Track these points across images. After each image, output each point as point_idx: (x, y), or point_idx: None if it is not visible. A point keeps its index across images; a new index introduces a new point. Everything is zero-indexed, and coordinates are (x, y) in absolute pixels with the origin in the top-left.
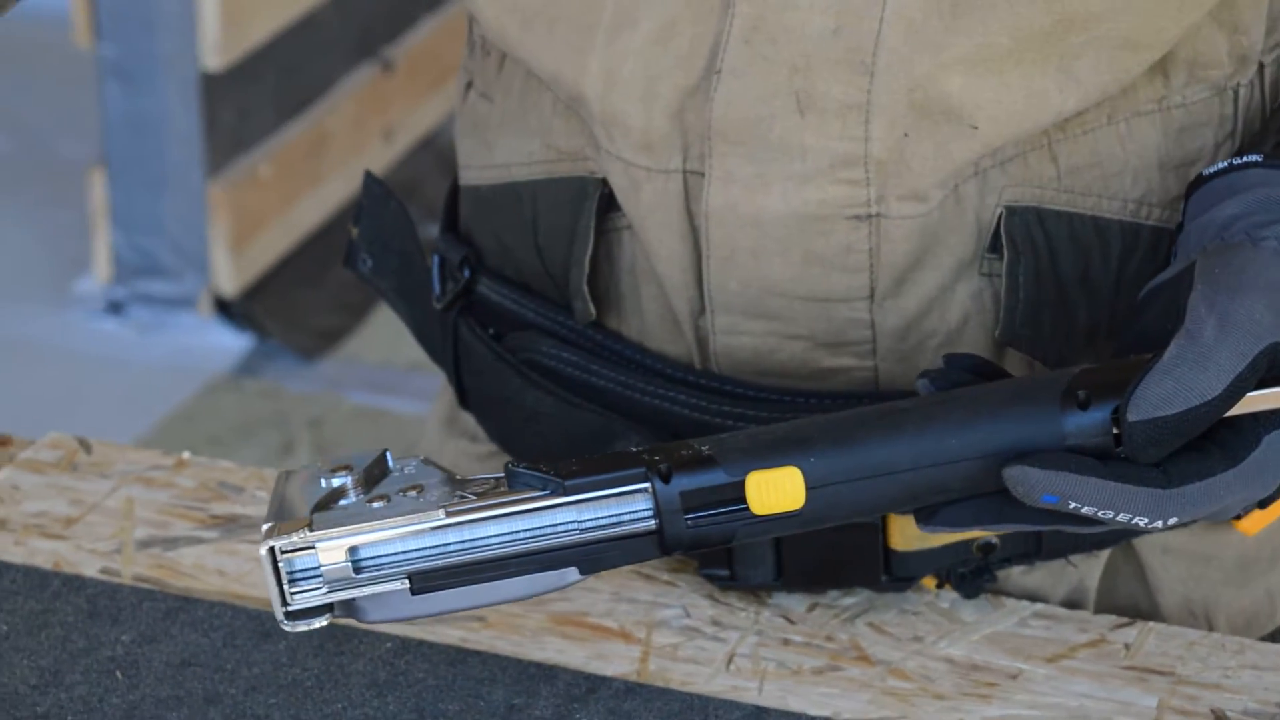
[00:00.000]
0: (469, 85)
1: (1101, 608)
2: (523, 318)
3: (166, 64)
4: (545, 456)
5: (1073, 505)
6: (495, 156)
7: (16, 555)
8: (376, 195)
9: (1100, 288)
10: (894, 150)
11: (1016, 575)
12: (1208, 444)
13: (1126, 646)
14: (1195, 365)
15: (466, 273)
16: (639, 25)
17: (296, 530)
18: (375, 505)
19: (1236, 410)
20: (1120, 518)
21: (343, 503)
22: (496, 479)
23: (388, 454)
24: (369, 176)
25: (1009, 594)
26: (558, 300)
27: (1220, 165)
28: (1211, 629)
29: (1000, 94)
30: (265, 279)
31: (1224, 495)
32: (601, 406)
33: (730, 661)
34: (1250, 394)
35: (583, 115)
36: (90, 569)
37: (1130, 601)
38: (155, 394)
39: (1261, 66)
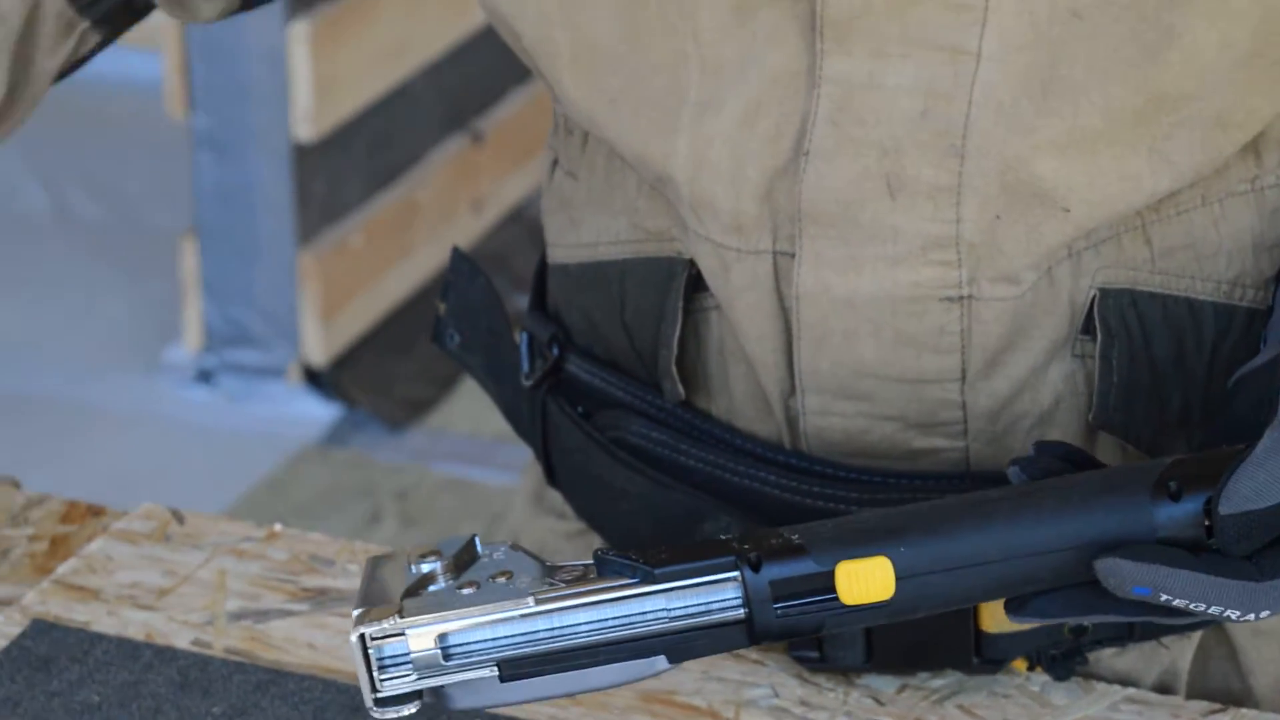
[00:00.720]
0: (555, 163)
1: (1194, 690)
2: (611, 396)
3: (259, 135)
4: (633, 535)
5: (1164, 598)
6: (582, 235)
7: (109, 626)
8: (464, 271)
9: (1194, 370)
10: (986, 232)
11: (1108, 657)
12: None
13: None
14: None
15: (555, 350)
16: (724, 107)
17: (387, 617)
18: (465, 592)
19: None
20: (1212, 610)
21: (432, 589)
22: (586, 566)
23: (476, 540)
24: (456, 253)
25: (1100, 676)
26: (646, 379)
27: None
28: None
29: (1093, 176)
30: (354, 349)
31: None
32: (690, 486)
33: None
34: None
35: (669, 196)
36: (182, 640)
37: (1223, 684)
38: (244, 463)
39: None
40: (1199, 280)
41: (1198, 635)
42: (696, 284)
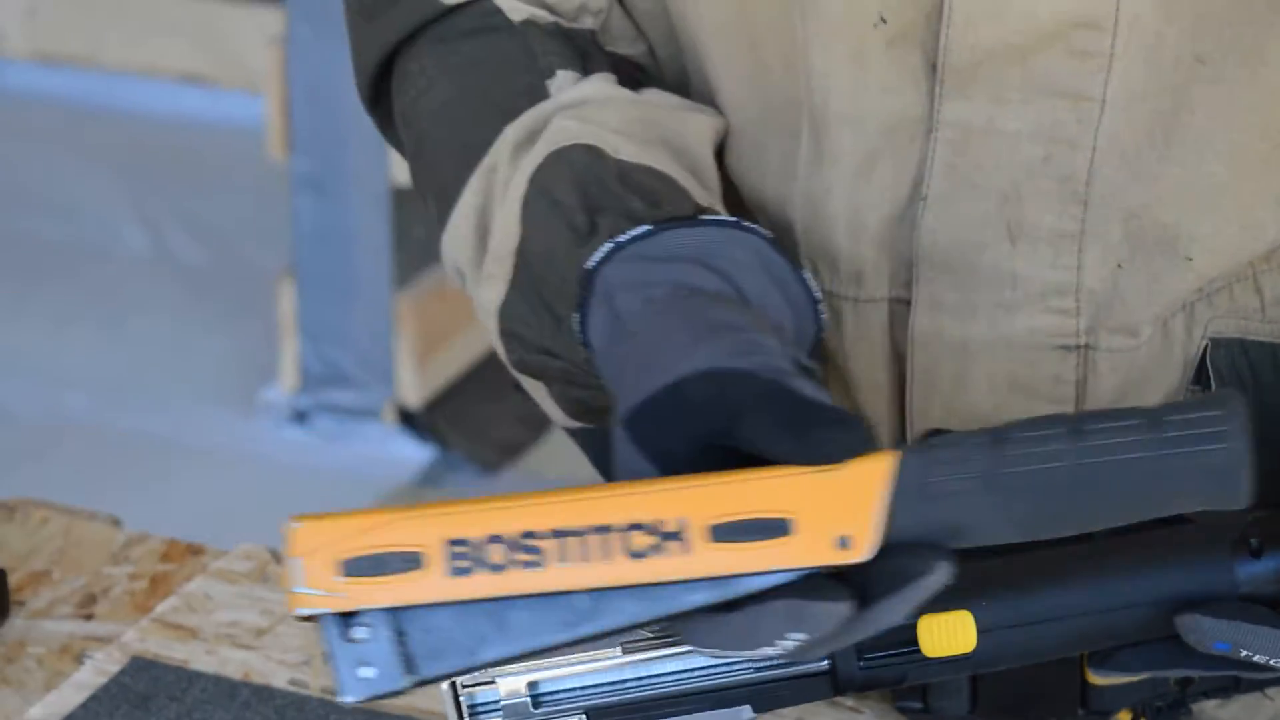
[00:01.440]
0: None
1: None
2: None
3: (358, 178)
4: None
5: (1244, 653)
6: None
7: (208, 664)
8: None
9: None
10: (1107, 281)
11: (1211, 708)
12: None
13: None
14: None
15: None
16: (840, 158)
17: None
18: None
19: None
20: None
21: None
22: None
23: None
24: None
25: None
26: None
27: None
28: None
29: (1217, 225)
30: (449, 391)
31: None
32: None
33: None
34: None
35: (790, 242)
36: (279, 680)
37: None
38: (339, 503)
39: None
40: None
41: None
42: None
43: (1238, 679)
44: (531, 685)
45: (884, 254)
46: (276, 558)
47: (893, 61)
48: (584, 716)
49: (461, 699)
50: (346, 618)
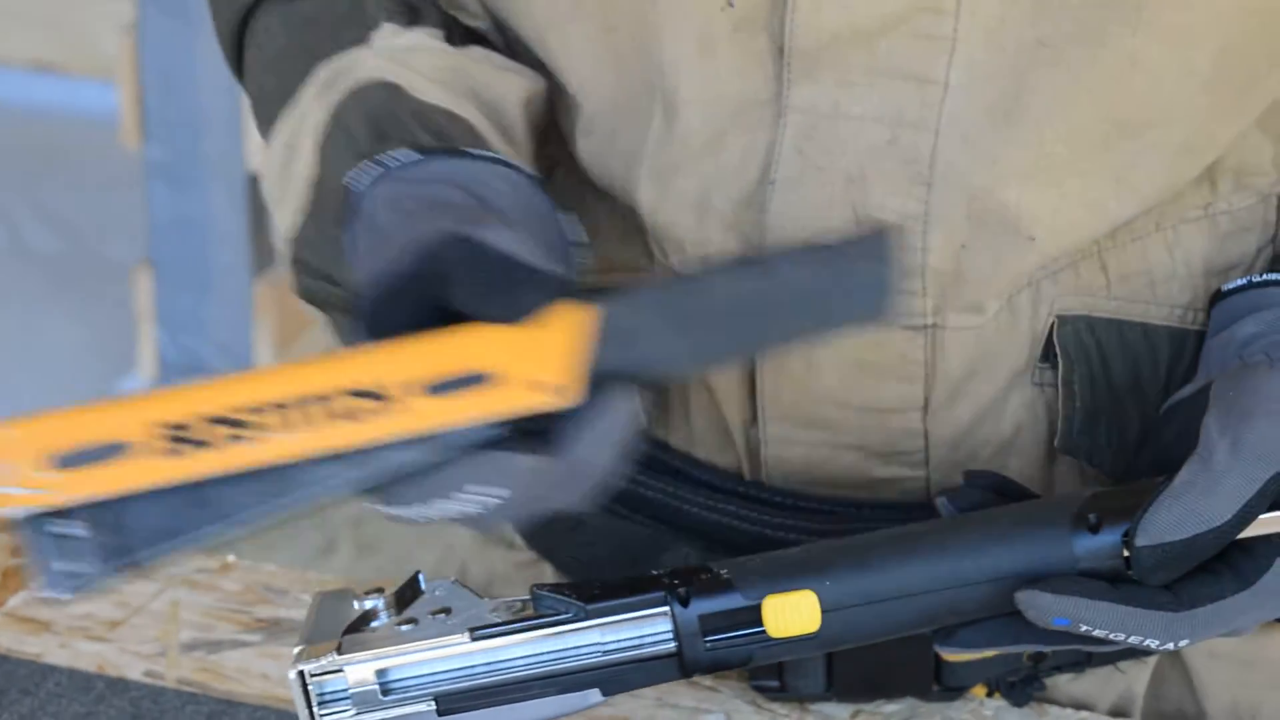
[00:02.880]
0: None
1: (1149, 713)
2: None
3: (213, 166)
4: (593, 566)
5: (1084, 628)
6: None
7: (61, 658)
8: None
9: (1151, 394)
10: (951, 261)
11: (1064, 682)
12: (1220, 565)
13: None
14: (1205, 491)
15: None
16: (690, 138)
17: (325, 654)
18: (404, 628)
19: (1249, 532)
20: (1132, 639)
21: (373, 625)
22: (524, 601)
23: (420, 576)
24: None
25: (1057, 702)
26: None
27: (1240, 282)
28: None
29: (1058, 204)
30: None
31: (1235, 617)
32: (649, 517)
33: None
34: (1262, 516)
35: (637, 225)
36: (134, 672)
37: (1177, 707)
38: None
39: None
40: (1153, 305)
41: (1153, 660)
42: None
43: (1089, 654)
44: (380, 673)
45: (731, 236)
46: None
47: (740, 45)
48: (433, 702)
49: (310, 688)
50: (51, 516)
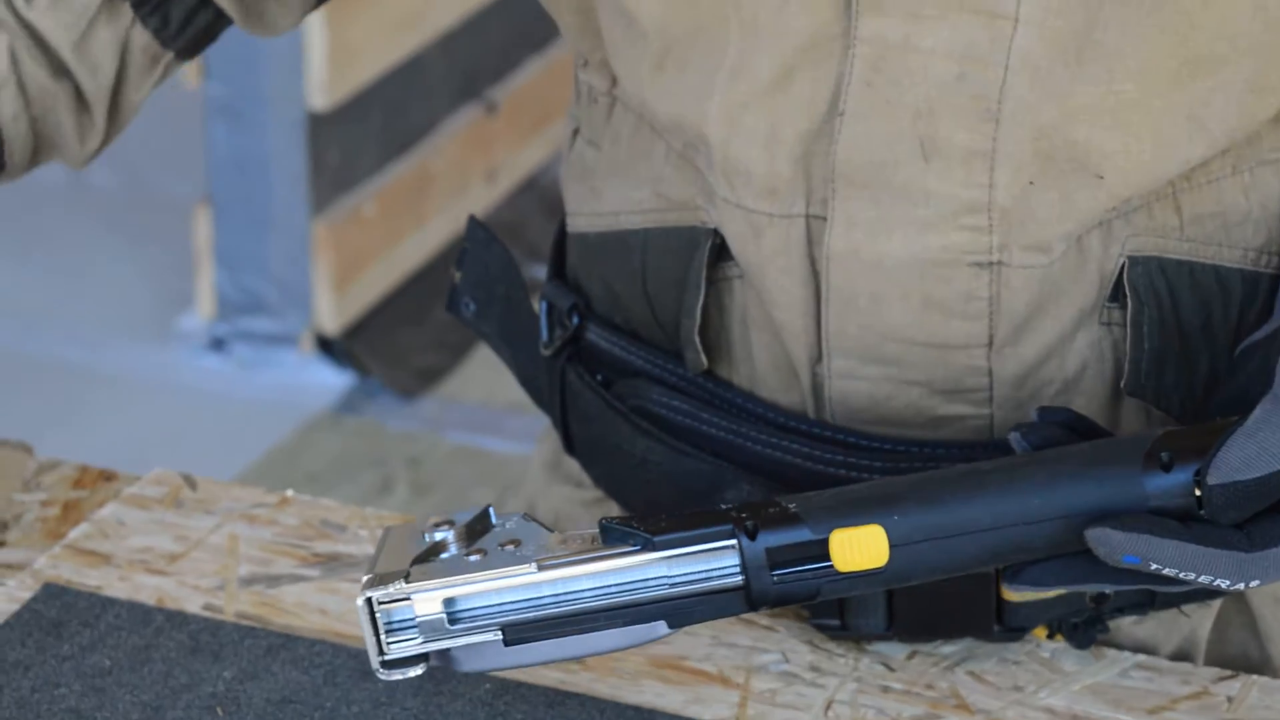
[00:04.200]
0: (576, 132)
1: (1212, 658)
2: (632, 365)
3: (273, 104)
4: (654, 504)
5: (1154, 566)
6: (603, 204)
7: (121, 590)
8: (480, 239)
9: (1221, 337)
10: (1019, 198)
11: (1128, 625)
12: None
13: (1229, 699)
14: (1278, 429)
15: (575, 319)
16: (759, 71)
17: (393, 582)
18: (472, 559)
19: None
20: (1202, 579)
21: (443, 556)
22: (592, 534)
23: (490, 510)
24: (473, 220)
25: (1120, 645)
26: (667, 348)
27: None
28: None
29: (1128, 143)
30: (367, 318)
31: None
32: (711, 455)
33: (829, 708)
34: None
35: (700, 164)
36: (193, 605)
37: (1241, 651)
38: (256, 430)
39: None
40: (1226, 248)
41: (1218, 603)
42: (719, 253)
43: (1152, 595)
44: (447, 602)
45: (799, 170)
46: (190, 483)
47: None
48: (500, 632)
49: (378, 616)
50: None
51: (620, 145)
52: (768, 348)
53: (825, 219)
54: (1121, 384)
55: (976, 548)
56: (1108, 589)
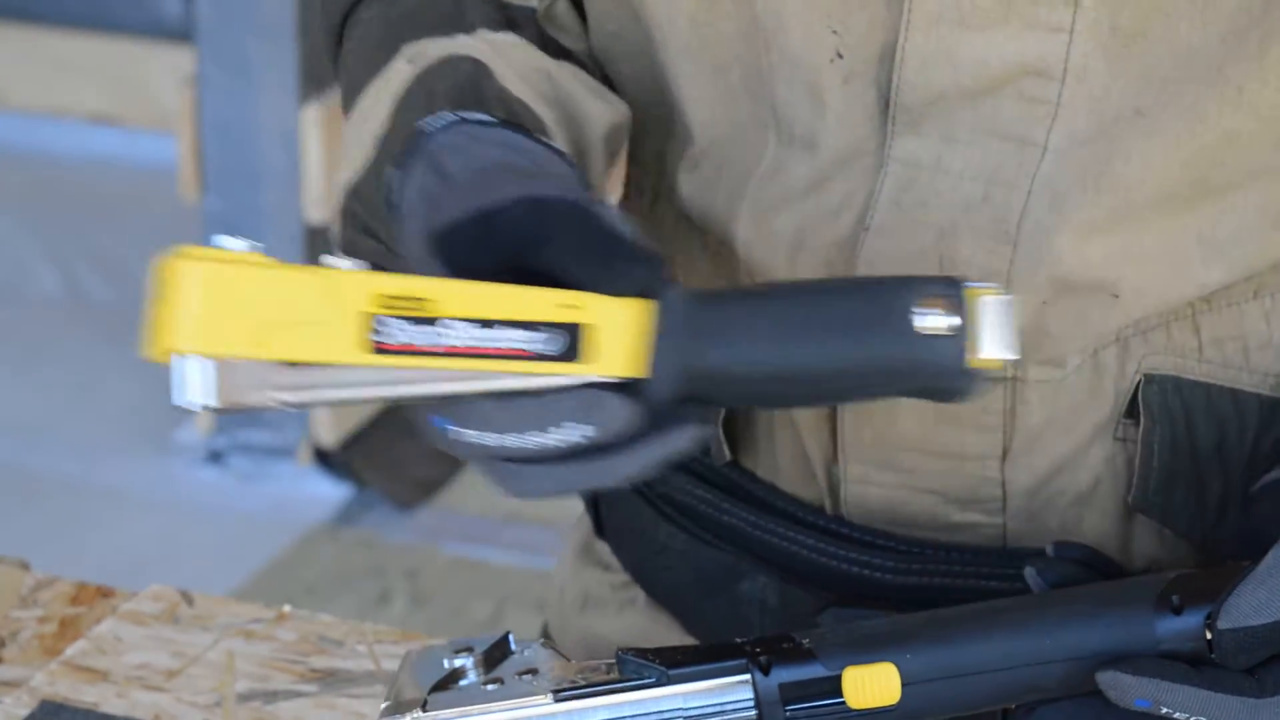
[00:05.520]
0: None
1: None
2: None
3: (271, 218)
4: (675, 590)
5: (1165, 710)
6: None
7: (119, 707)
8: None
9: (1234, 460)
10: (1034, 317)
11: None
12: None
13: None
14: None
15: None
16: (793, 177)
17: (410, 711)
18: (489, 688)
19: None
20: None
21: (461, 684)
22: (609, 664)
23: (510, 636)
24: None
25: None
26: None
27: None
28: None
29: (1143, 265)
30: (364, 429)
31: None
32: (730, 544)
33: None
34: None
35: (729, 261)
36: None
37: None
38: (254, 543)
39: None
40: (1245, 372)
41: None
42: None
43: None
44: None
45: (822, 275)
46: (187, 599)
47: (848, 96)
48: None
49: None
50: None
51: (663, 237)
52: (790, 443)
53: None
54: (1129, 499)
55: (989, 687)
56: None
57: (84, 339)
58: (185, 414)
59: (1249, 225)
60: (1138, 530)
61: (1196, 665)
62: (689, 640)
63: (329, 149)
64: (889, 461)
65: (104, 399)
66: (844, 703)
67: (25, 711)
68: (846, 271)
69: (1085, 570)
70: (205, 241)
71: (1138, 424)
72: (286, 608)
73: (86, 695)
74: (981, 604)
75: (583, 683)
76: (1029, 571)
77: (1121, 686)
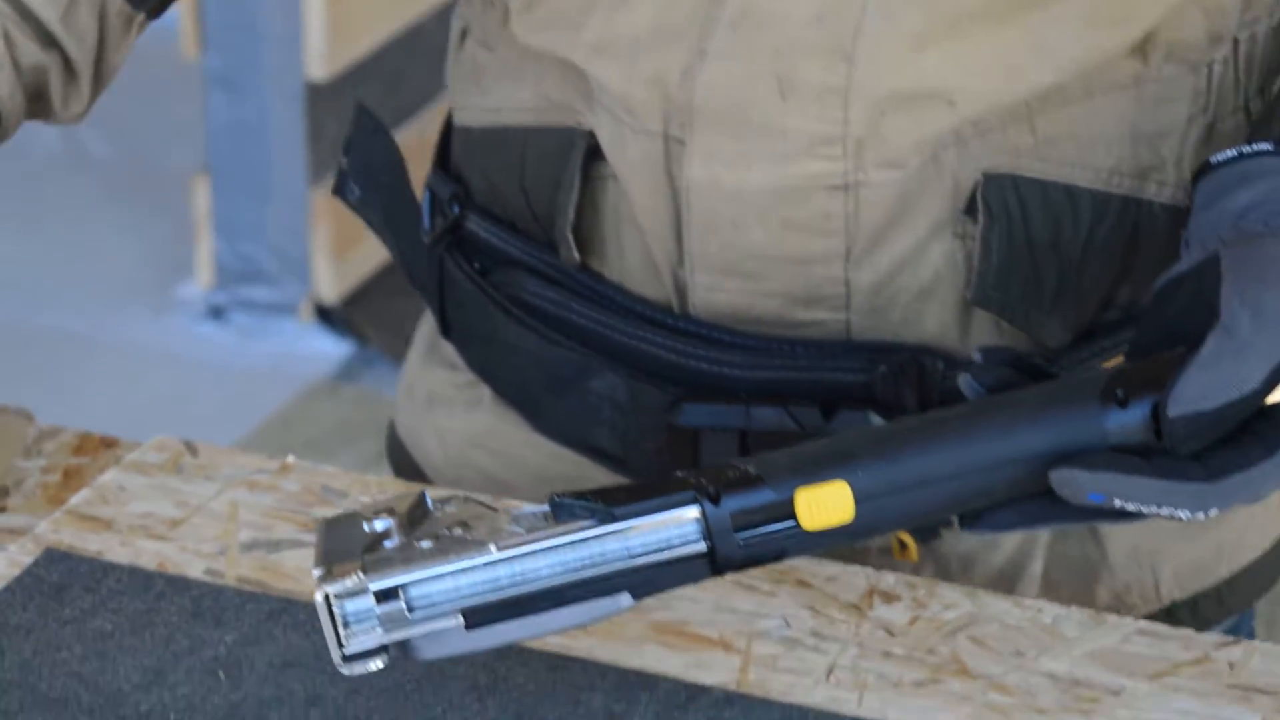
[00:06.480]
0: (464, 32)
1: (1052, 559)
2: (508, 255)
3: (271, 74)
4: (524, 389)
5: (1118, 503)
6: (488, 100)
7: (122, 556)
8: (367, 128)
9: (1069, 253)
10: (871, 126)
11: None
12: (1244, 435)
13: (1231, 665)
14: (1234, 358)
15: (455, 209)
16: (631, 18)
17: (349, 575)
18: (424, 545)
19: (1271, 399)
20: (1163, 511)
21: (388, 544)
22: (545, 512)
23: (426, 495)
24: (360, 108)
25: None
26: (543, 239)
27: (1230, 154)
28: (1157, 580)
29: (976, 71)
30: (365, 286)
31: (1262, 485)
32: (580, 344)
33: (830, 673)
34: None
35: (576, 72)
36: (195, 570)
37: (1080, 552)
38: (255, 399)
39: (1236, 42)
40: (1078, 168)
41: None
42: (595, 154)
43: None
44: (405, 591)
45: (657, 93)
46: (191, 450)
47: None
48: (460, 617)
49: (335, 610)
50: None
51: (514, 50)
52: (637, 246)
53: (683, 143)
54: (967, 294)
55: (940, 496)
56: (1067, 528)
57: (84, 196)
58: (186, 269)
59: (1073, 29)
60: (975, 323)
61: (1145, 455)
62: (536, 438)
63: (330, 6)
64: (736, 268)
65: (106, 255)
66: (797, 525)
67: (30, 559)
68: (686, 97)
69: (1017, 373)
70: (204, 98)
71: (976, 221)
72: (290, 458)
73: (90, 544)
74: (924, 415)
75: (522, 531)
76: (964, 379)
77: (1076, 483)
